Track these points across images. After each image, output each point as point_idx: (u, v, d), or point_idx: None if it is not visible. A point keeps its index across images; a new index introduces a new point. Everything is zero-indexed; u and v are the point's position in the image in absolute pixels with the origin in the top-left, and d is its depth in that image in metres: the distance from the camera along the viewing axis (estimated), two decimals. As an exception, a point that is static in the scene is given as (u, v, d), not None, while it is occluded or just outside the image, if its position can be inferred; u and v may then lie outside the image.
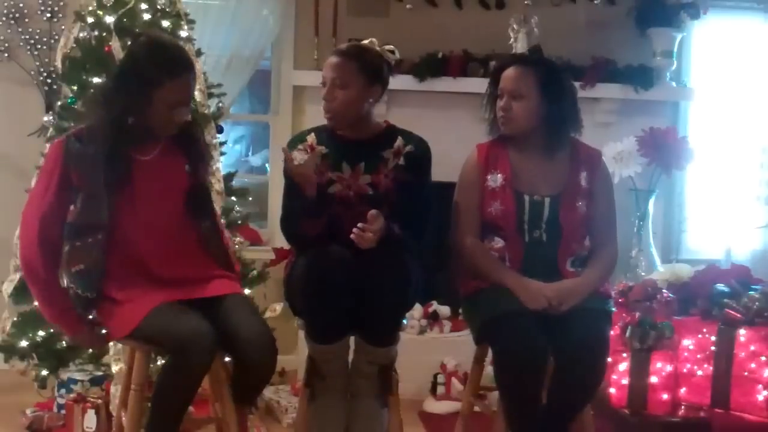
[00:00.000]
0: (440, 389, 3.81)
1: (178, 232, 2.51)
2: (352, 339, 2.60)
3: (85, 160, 2.40)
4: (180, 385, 2.35)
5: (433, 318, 4.11)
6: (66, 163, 2.42)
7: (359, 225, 2.45)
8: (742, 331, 3.16)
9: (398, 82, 4.14)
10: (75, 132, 2.48)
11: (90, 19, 3.47)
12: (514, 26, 4.18)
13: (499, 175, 2.70)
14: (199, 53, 3.56)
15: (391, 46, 2.72)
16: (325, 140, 2.72)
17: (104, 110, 2.45)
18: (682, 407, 3.19)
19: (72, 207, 2.44)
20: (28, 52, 4.06)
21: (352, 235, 2.45)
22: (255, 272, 3.60)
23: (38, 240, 2.43)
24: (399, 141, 2.71)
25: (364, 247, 2.46)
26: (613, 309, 2.74)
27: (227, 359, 2.56)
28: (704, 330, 3.22)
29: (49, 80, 4.05)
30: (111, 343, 3.09)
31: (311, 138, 2.73)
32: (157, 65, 2.38)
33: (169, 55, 2.41)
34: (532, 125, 2.67)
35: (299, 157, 2.53)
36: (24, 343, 3.34)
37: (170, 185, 2.51)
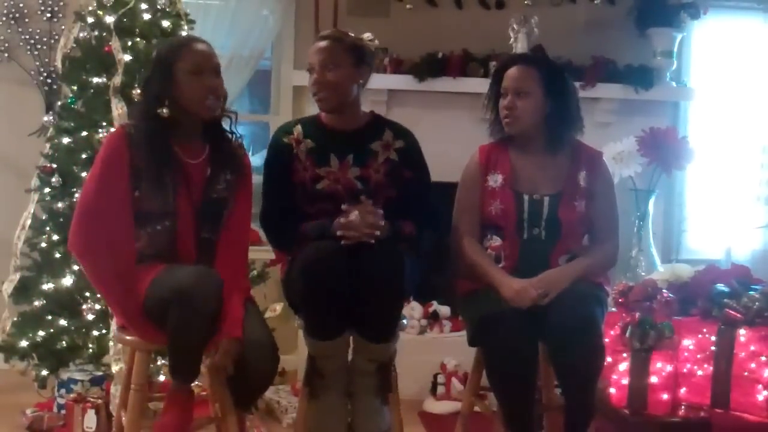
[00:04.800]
0: (440, 389, 3.81)
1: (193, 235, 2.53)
2: (351, 339, 2.60)
3: (145, 148, 2.45)
4: (189, 328, 2.30)
5: (433, 318, 4.11)
6: (131, 149, 2.45)
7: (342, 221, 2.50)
8: (742, 331, 3.15)
9: (398, 82, 4.18)
10: (132, 123, 2.55)
11: (90, 19, 3.48)
12: (514, 26, 4.18)
13: (499, 175, 2.72)
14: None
15: (369, 34, 2.74)
16: (312, 132, 2.72)
17: (142, 105, 2.56)
18: (682, 407, 3.19)
19: (137, 193, 2.46)
20: (28, 52, 4.07)
21: (340, 233, 2.49)
22: (255, 272, 3.60)
23: (94, 225, 2.43)
24: (388, 133, 2.72)
25: (349, 239, 2.48)
26: (605, 293, 2.72)
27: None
28: (704, 330, 3.22)
29: (49, 80, 4.05)
30: (111, 343, 3.10)
31: (297, 130, 2.73)
32: (171, 45, 2.57)
33: (180, 38, 2.63)
34: (535, 123, 2.69)
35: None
36: (24, 343, 3.33)
37: (197, 190, 2.53)
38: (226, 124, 2.62)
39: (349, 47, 2.66)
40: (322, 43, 2.66)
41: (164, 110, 2.46)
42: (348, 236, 2.50)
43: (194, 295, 2.28)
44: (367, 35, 2.72)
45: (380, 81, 3.95)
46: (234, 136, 2.64)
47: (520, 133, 2.72)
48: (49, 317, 3.35)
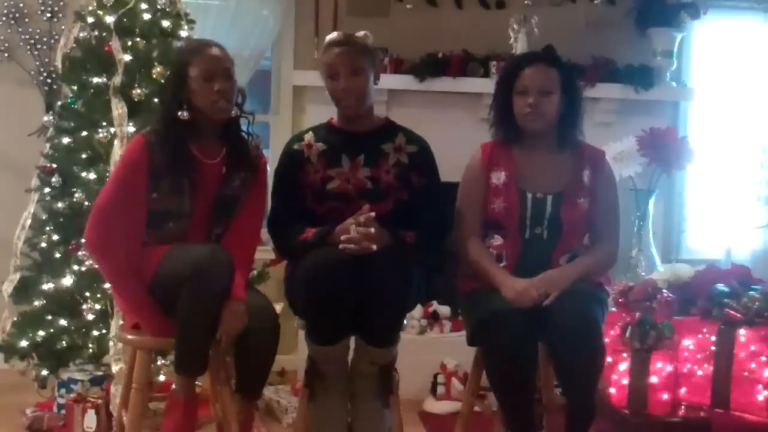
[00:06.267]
0: (440, 389, 3.81)
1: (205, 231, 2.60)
2: (352, 339, 2.60)
3: (164, 152, 2.50)
4: (202, 307, 2.34)
5: (433, 318, 4.11)
6: (151, 155, 2.50)
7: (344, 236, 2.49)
8: (742, 331, 3.16)
9: (398, 82, 4.17)
10: (150, 131, 2.60)
11: (90, 19, 3.48)
12: (514, 26, 4.18)
13: (502, 172, 2.72)
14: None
15: (363, 32, 2.73)
16: (324, 136, 2.73)
17: (160, 111, 2.64)
18: (682, 407, 3.19)
19: (154, 195, 2.51)
20: (28, 52, 4.07)
21: (341, 246, 2.48)
22: (255, 272, 3.60)
23: (110, 227, 2.47)
24: (401, 138, 2.73)
25: (356, 251, 2.47)
26: (606, 293, 2.71)
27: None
28: (704, 330, 3.22)
29: (49, 80, 4.05)
30: (111, 343, 3.10)
31: (309, 136, 2.74)
32: (185, 51, 2.68)
33: (194, 42, 2.67)
34: (554, 122, 2.70)
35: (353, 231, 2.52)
36: (24, 343, 3.33)
37: (211, 188, 2.58)
38: (244, 125, 2.68)
39: (365, 50, 2.67)
40: (344, 49, 2.64)
41: (184, 113, 2.51)
42: (348, 249, 2.49)
43: (209, 269, 2.33)
44: (361, 33, 2.71)
45: (380, 81, 3.94)
46: (251, 137, 2.69)
47: (540, 130, 2.71)
48: (49, 317, 3.35)
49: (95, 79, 3.42)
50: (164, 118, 2.56)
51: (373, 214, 2.53)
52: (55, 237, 3.39)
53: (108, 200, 2.49)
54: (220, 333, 2.38)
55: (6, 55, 4.07)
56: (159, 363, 3.24)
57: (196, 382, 2.54)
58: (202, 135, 2.58)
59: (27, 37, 4.06)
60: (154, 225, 2.53)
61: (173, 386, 2.52)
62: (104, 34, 3.44)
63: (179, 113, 2.51)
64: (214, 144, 2.61)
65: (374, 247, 2.48)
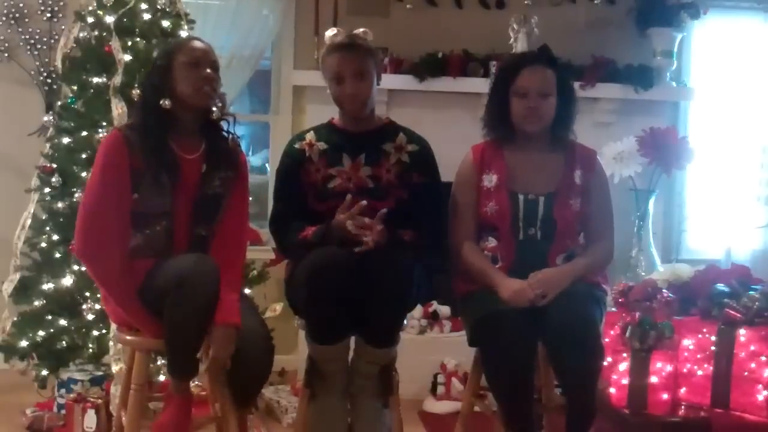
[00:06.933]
0: (440, 389, 3.81)
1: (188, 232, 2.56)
2: (352, 339, 2.60)
3: (143, 149, 2.46)
4: (187, 316, 2.30)
5: (433, 318, 4.11)
6: (130, 152, 2.46)
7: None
8: (742, 331, 3.16)
9: (398, 82, 4.18)
10: (126, 125, 2.57)
11: (90, 19, 3.48)
12: (514, 26, 4.18)
13: (494, 175, 2.72)
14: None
15: (362, 29, 2.71)
16: (325, 135, 2.73)
17: (143, 100, 2.59)
18: (682, 407, 3.19)
19: (135, 195, 2.46)
20: (28, 52, 4.07)
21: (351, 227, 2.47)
22: (255, 272, 3.60)
23: (99, 229, 2.43)
24: (401, 137, 2.73)
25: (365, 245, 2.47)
26: (604, 292, 2.71)
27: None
28: (704, 330, 3.22)
29: (49, 80, 4.06)
30: (111, 343, 3.10)
31: (310, 136, 2.74)
32: (173, 42, 2.75)
33: (181, 38, 2.69)
34: (549, 123, 2.70)
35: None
36: (24, 343, 3.34)
37: (192, 186, 2.54)
38: (224, 126, 2.63)
39: (369, 52, 2.66)
40: (349, 53, 2.62)
41: (166, 102, 2.48)
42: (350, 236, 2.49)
43: (192, 279, 2.29)
44: (360, 30, 2.70)
45: (381, 81, 3.96)
46: (231, 135, 2.64)
47: (539, 132, 2.70)
48: (49, 317, 3.35)
49: (95, 79, 3.42)
50: (145, 107, 2.53)
51: (364, 202, 2.52)
52: (55, 237, 3.39)
53: (96, 203, 2.44)
54: (202, 353, 2.35)
55: (6, 55, 4.07)
56: (158, 363, 3.24)
57: (195, 382, 2.55)
58: (180, 129, 2.53)
59: (27, 37, 4.06)
60: (136, 228, 2.49)
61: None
62: (104, 34, 3.44)
63: (161, 101, 2.48)
64: (193, 139, 2.56)
65: (369, 237, 2.48)
